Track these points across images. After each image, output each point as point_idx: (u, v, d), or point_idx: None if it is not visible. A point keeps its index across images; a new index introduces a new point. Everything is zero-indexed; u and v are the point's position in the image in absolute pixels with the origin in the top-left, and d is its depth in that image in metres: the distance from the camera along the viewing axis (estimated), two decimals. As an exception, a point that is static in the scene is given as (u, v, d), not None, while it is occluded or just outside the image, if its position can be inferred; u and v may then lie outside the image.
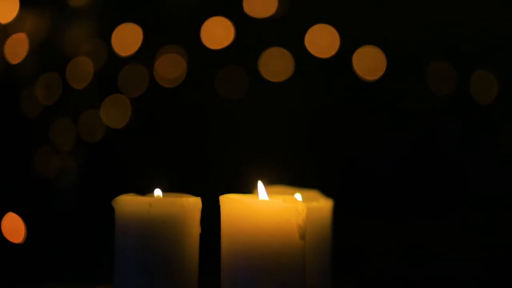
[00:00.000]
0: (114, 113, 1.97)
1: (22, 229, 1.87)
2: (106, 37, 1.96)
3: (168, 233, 1.07)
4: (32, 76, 1.93)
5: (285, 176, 1.48)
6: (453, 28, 1.93)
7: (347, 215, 1.63)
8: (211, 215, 1.12)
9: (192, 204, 1.10)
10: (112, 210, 1.10)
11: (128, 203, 1.08)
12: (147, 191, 1.14)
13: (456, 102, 1.93)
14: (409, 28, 1.93)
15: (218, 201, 1.08)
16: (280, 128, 1.98)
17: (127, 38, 1.96)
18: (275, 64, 1.95)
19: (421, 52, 1.94)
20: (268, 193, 1.10)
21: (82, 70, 1.95)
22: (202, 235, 1.11)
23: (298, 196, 1.23)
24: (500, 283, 1.85)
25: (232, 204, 1.06)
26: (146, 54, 1.96)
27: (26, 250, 1.87)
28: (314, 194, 1.28)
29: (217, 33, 1.95)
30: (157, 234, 1.07)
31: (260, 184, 1.10)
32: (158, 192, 1.12)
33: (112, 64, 1.96)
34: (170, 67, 1.97)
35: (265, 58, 1.96)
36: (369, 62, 1.93)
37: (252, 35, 1.96)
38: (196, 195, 1.12)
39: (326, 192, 1.29)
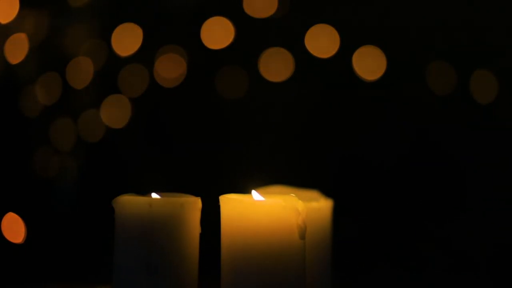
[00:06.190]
0: (114, 113, 1.97)
1: (22, 229, 1.87)
2: (106, 37, 1.96)
3: (168, 233, 1.07)
4: (32, 76, 1.93)
5: (285, 176, 1.48)
6: (453, 28, 1.93)
7: (347, 215, 1.63)
8: (211, 215, 1.12)
9: (192, 204, 1.10)
10: (112, 210, 1.10)
11: (128, 203, 1.08)
12: (147, 191, 1.14)
13: (456, 102, 1.93)
14: (409, 28, 1.93)
15: (218, 201, 1.08)
16: (280, 128, 1.98)
17: (127, 38, 1.96)
18: (275, 64, 1.95)
19: (421, 52, 1.94)
20: (268, 193, 1.10)
21: (82, 70, 1.96)
22: (202, 235, 1.11)
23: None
24: (500, 285, 1.85)
25: (232, 204, 1.06)
26: (146, 54, 1.97)
27: (26, 250, 1.87)
28: (314, 194, 1.28)
29: (217, 33, 1.95)
30: (157, 234, 1.07)
31: (254, 192, 1.09)
32: (154, 195, 1.12)
33: (112, 64, 1.96)
34: (170, 67, 1.97)
35: (265, 58, 1.96)
36: (369, 62, 1.93)
37: (252, 35, 1.96)
38: (196, 195, 1.12)
39: (326, 192, 1.29)
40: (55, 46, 1.95)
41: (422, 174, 1.96)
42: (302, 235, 1.05)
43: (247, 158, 1.96)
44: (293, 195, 1.07)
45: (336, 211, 1.27)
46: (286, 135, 1.97)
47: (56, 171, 1.95)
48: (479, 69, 1.92)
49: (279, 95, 1.96)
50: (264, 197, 1.08)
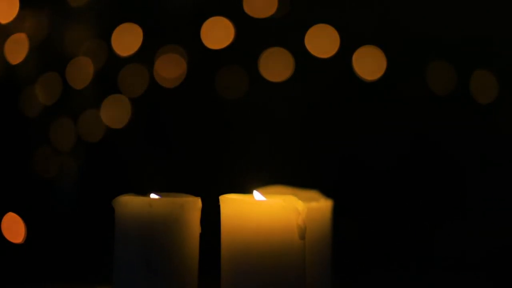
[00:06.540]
0: (114, 113, 1.97)
1: (22, 229, 1.87)
2: (106, 37, 1.96)
3: (168, 233, 1.07)
4: (32, 76, 1.93)
5: (285, 176, 1.48)
6: (453, 28, 1.93)
7: (347, 215, 1.63)
8: (211, 215, 1.12)
9: (192, 204, 1.10)
10: (112, 210, 1.10)
11: (128, 203, 1.08)
12: (147, 191, 1.14)
13: (456, 102, 1.93)
14: (409, 28, 1.93)
15: (218, 201, 1.08)
16: (280, 128, 1.98)
17: (127, 38, 1.96)
18: (275, 64, 1.95)
19: (421, 52, 1.94)
20: (268, 193, 1.10)
21: (82, 70, 1.96)
22: (202, 235, 1.11)
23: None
24: (500, 285, 1.85)
25: (232, 204, 1.06)
26: (146, 54, 1.96)
27: (26, 250, 1.87)
28: (314, 194, 1.28)
29: (217, 33, 1.95)
30: (157, 234, 1.07)
31: (255, 192, 1.09)
32: (154, 195, 1.12)
33: (112, 64, 1.96)
34: (170, 67, 1.97)
35: (265, 58, 1.96)
36: (369, 62, 1.93)
37: (252, 35, 1.96)
38: (196, 195, 1.12)
39: (326, 192, 1.29)
40: (55, 46, 1.95)
41: (422, 174, 1.96)
42: (302, 235, 1.05)
43: (247, 158, 1.96)
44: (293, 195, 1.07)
45: (336, 211, 1.27)
46: (286, 135, 1.97)
47: (56, 171, 1.95)
48: (479, 69, 1.92)
49: (279, 95, 1.96)
50: (264, 197, 1.08)
